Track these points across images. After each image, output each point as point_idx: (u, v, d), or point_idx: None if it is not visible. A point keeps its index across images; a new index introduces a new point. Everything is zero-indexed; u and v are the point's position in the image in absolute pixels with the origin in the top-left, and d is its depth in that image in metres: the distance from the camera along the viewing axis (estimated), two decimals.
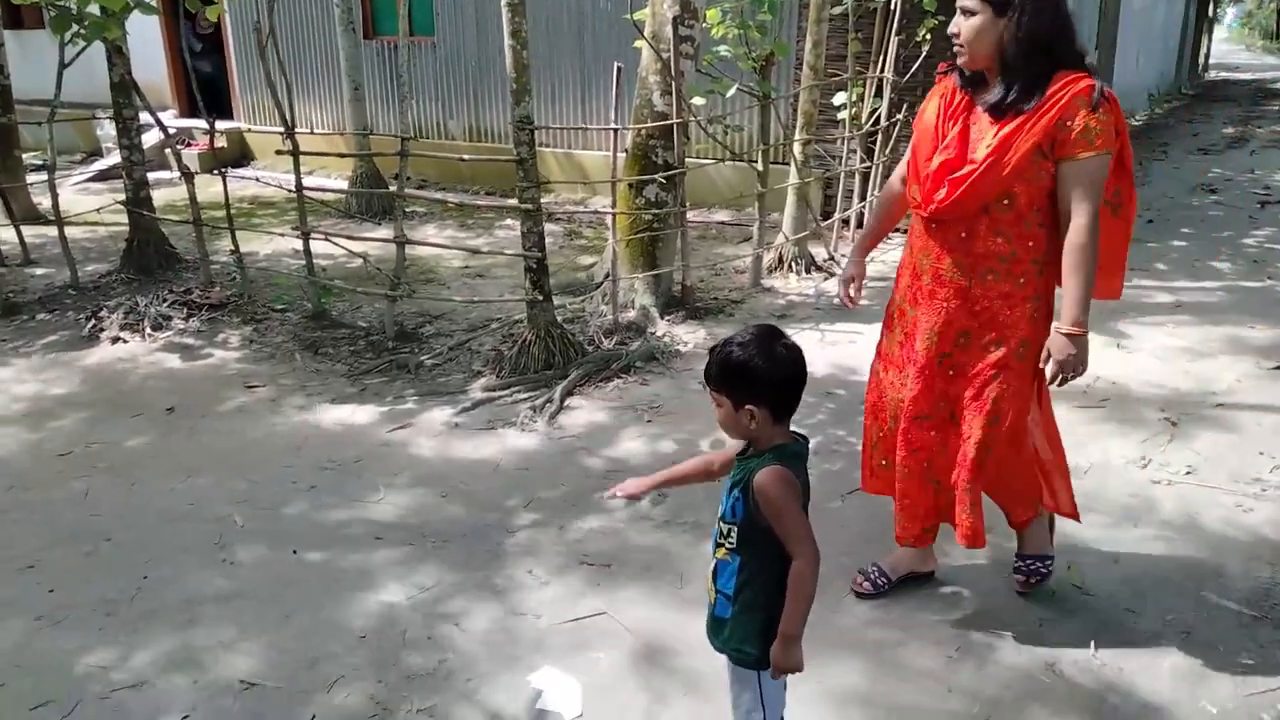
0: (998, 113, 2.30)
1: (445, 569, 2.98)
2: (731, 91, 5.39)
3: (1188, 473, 3.52)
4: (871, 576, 2.79)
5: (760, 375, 1.84)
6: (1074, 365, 2.34)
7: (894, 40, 6.66)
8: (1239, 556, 2.98)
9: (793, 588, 1.81)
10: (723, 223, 7.50)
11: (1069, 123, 2.23)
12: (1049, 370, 2.36)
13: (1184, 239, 7.01)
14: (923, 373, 2.49)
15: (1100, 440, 3.80)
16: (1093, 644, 2.57)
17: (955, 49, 2.34)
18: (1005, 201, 2.33)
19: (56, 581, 2.96)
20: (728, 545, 1.91)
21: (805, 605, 1.81)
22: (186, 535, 3.20)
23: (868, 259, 2.78)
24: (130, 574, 2.98)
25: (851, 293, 2.71)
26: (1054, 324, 2.35)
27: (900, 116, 6.73)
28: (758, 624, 1.89)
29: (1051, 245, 2.36)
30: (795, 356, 1.89)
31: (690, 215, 5.71)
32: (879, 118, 6.70)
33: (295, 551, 3.10)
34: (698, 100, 5.20)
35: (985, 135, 2.31)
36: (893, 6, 6.61)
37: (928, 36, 6.57)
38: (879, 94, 6.77)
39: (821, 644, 2.43)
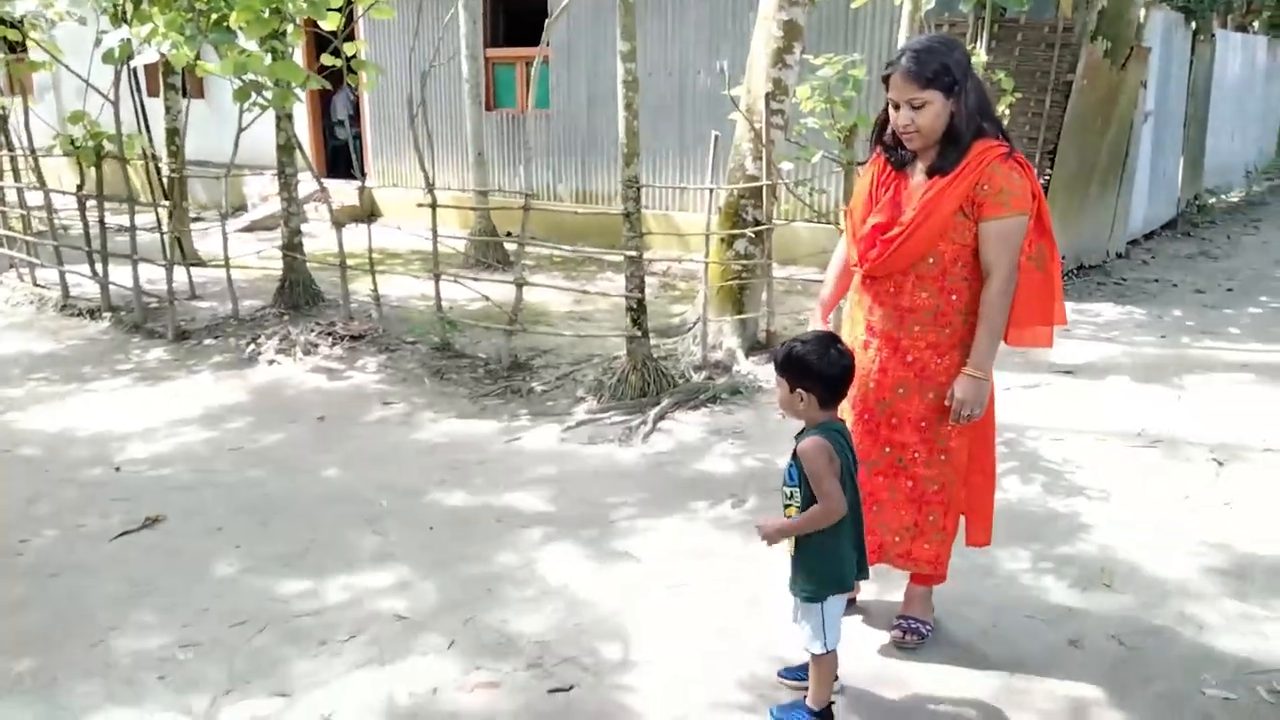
0: (933, 175, 2.55)
1: (554, 545, 3.54)
2: (816, 158, 5.95)
3: (1226, 504, 3.84)
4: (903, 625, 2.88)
5: (814, 368, 2.39)
6: (973, 404, 2.56)
7: None
8: (1263, 571, 3.30)
9: (810, 513, 2.37)
10: (808, 279, 8.02)
11: (986, 186, 2.48)
12: (952, 407, 2.58)
13: (1261, 307, 7.20)
14: (863, 419, 2.71)
15: (1146, 474, 4.14)
16: (1114, 629, 2.95)
17: (905, 137, 2.55)
18: (930, 260, 2.56)
19: (241, 540, 3.62)
20: (795, 505, 2.44)
21: (806, 524, 2.37)
22: (342, 512, 3.85)
23: (829, 319, 2.95)
24: (299, 538, 3.63)
25: None
26: (964, 368, 2.58)
27: None
28: (815, 566, 2.42)
29: (974, 297, 2.58)
30: (845, 360, 2.43)
31: (780, 271, 6.26)
32: None
33: (431, 528, 3.71)
34: (786, 165, 5.80)
35: (913, 199, 2.58)
36: None
37: (1006, 111, 7.06)
38: None
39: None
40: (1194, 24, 10.46)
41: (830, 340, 2.45)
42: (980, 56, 7.08)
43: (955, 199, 2.51)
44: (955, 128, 2.51)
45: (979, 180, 2.49)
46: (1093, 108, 7.62)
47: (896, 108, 2.54)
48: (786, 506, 2.47)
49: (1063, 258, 7.99)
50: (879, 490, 2.75)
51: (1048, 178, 7.40)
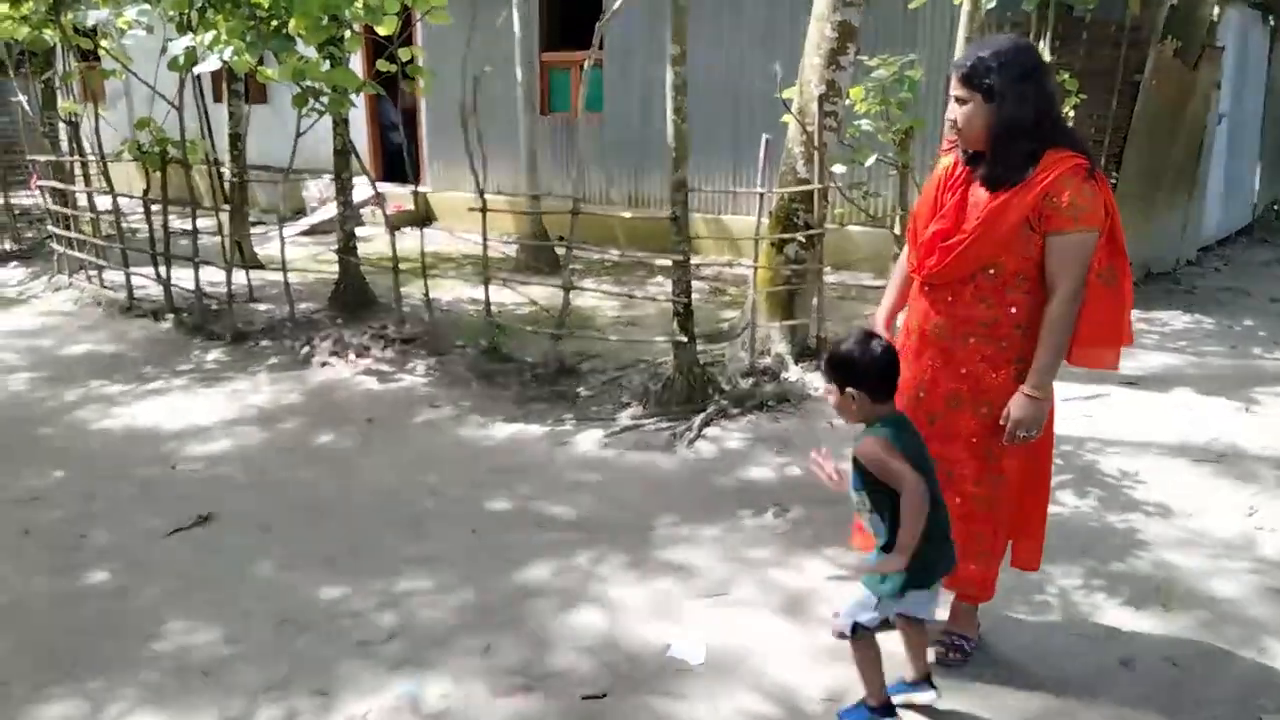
0: (990, 186, 2.47)
1: (594, 552, 3.53)
2: (870, 161, 5.86)
3: None
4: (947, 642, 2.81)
5: (857, 365, 2.37)
6: (1029, 425, 2.46)
7: None
8: None
9: (903, 513, 2.28)
10: (863, 285, 7.90)
11: (1055, 199, 2.38)
12: (1007, 427, 2.50)
13: None
14: None
15: (1211, 490, 3.98)
16: (1170, 650, 2.83)
17: (955, 131, 2.53)
18: (991, 270, 2.49)
19: (288, 539, 3.68)
20: (867, 509, 2.40)
21: (915, 524, 2.27)
22: (388, 514, 3.89)
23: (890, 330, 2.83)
24: (345, 539, 3.67)
25: None
26: (1021, 385, 2.48)
27: None
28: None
29: (1034, 311, 2.49)
30: (889, 352, 2.39)
31: (833, 276, 6.17)
32: None
33: (474, 531, 3.72)
34: (838, 168, 5.72)
35: (978, 207, 2.50)
36: None
37: (1070, 113, 6.87)
38: None
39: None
40: (1272, 22, 10.07)
41: (868, 335, 2.42)
42: (1044, 55, 6.91)
43: (1021, 210, 2.42)
44: (994, 136, 2.43)
45: (1048, 192, 2.40)
46: (1162, 109, 7.38)
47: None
48: (862, 515, 2.45)
49: (1130, 265, 7.81)
50: None
51: (1114, 181, 7.18)
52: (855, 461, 2.38)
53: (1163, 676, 2.73)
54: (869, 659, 2.47)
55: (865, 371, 2.35)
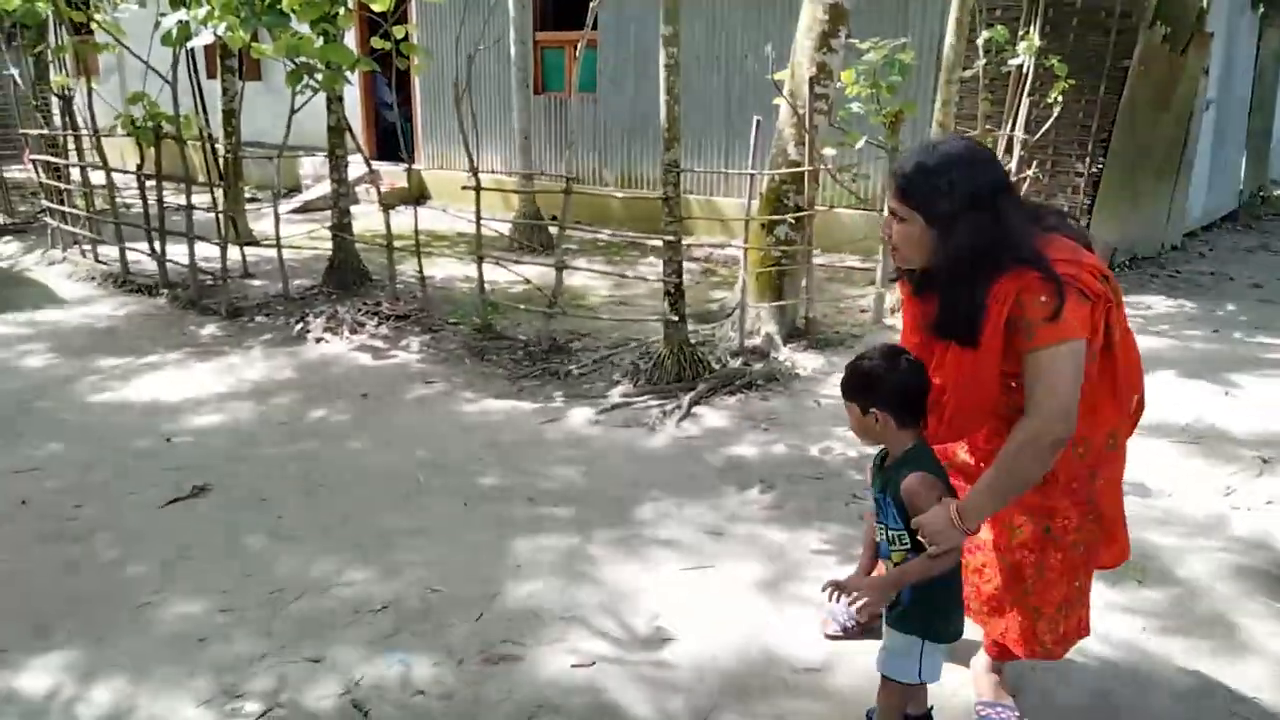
0: (943, 335, 2.09)
1: (583, 525, 3.60)
2: (860, 144, 5.91)
3: (1268, 503, 3.76)
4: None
5: (884, 382, 2.14)
6: (935, 539, 2.05)
7: (1025, 101, 7.07)
8: None
9: (922, 561, 2.12)
10: (851, 267, 7.97)
11: (1017, 319, 1.98)
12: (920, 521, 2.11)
13: None
14: None
15: (1188, 470, 4.07)
16: (1142, 625, 2.92)
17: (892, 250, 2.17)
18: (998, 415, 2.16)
19: (283, 512, 3.74)
20: (902, 548, 2.18)
21: (920, 572, 2.12)
22: (381, 487, 3.95)
23: None
24: (339, 511, 3.74)
25: None
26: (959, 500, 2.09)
27: (1030, 173, 7.09)
28: (927, 603, 2.19)
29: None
30: (916, 369, 2.16)
31: (822, 259, 6.23)
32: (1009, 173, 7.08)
33: (466, 504, 3.79)
34: (828, 150, 5.77)
35: (949, 355, 2.11)
36: (1025, 70, 7.02)
37: (1059, 99, 6.92)
38: (1009, 151, 7.16)
39: None
40: (1261, 7, 10.11)
41: (897, 351, 2.19)
42: (1033, 41, 6.94)
43: (991, 365, 2.04)
44: (941, 272, 2.05)
45: (1010, 317, 1.99)
46: (1149, 95, 7.44)
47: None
48: (891, 552, 2.21)
49: (1115, 249, 7.88)
50: (1025, 567, 2.29)
51: (1100, 166, 7.25)
52: (887, 493, 2.18)
53: (1137, 649, 2.82)
54: (895, 701, 2.32)
55: (892, 391, 2.13)
